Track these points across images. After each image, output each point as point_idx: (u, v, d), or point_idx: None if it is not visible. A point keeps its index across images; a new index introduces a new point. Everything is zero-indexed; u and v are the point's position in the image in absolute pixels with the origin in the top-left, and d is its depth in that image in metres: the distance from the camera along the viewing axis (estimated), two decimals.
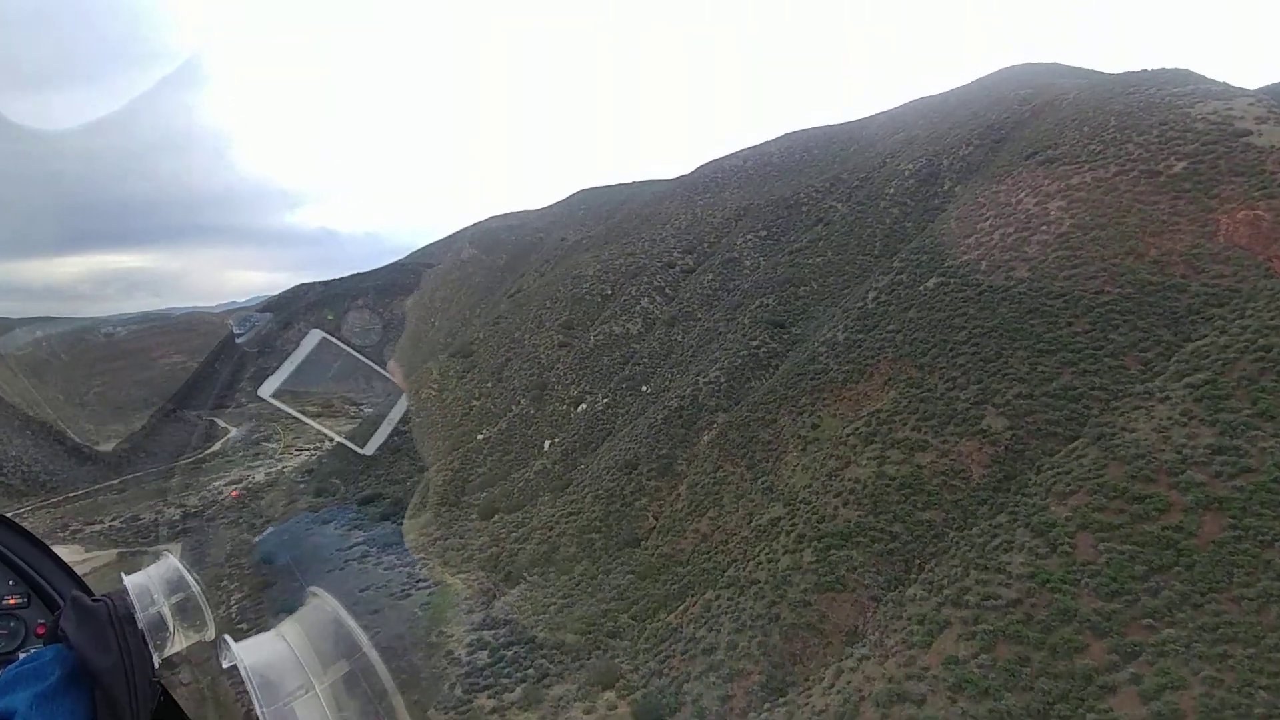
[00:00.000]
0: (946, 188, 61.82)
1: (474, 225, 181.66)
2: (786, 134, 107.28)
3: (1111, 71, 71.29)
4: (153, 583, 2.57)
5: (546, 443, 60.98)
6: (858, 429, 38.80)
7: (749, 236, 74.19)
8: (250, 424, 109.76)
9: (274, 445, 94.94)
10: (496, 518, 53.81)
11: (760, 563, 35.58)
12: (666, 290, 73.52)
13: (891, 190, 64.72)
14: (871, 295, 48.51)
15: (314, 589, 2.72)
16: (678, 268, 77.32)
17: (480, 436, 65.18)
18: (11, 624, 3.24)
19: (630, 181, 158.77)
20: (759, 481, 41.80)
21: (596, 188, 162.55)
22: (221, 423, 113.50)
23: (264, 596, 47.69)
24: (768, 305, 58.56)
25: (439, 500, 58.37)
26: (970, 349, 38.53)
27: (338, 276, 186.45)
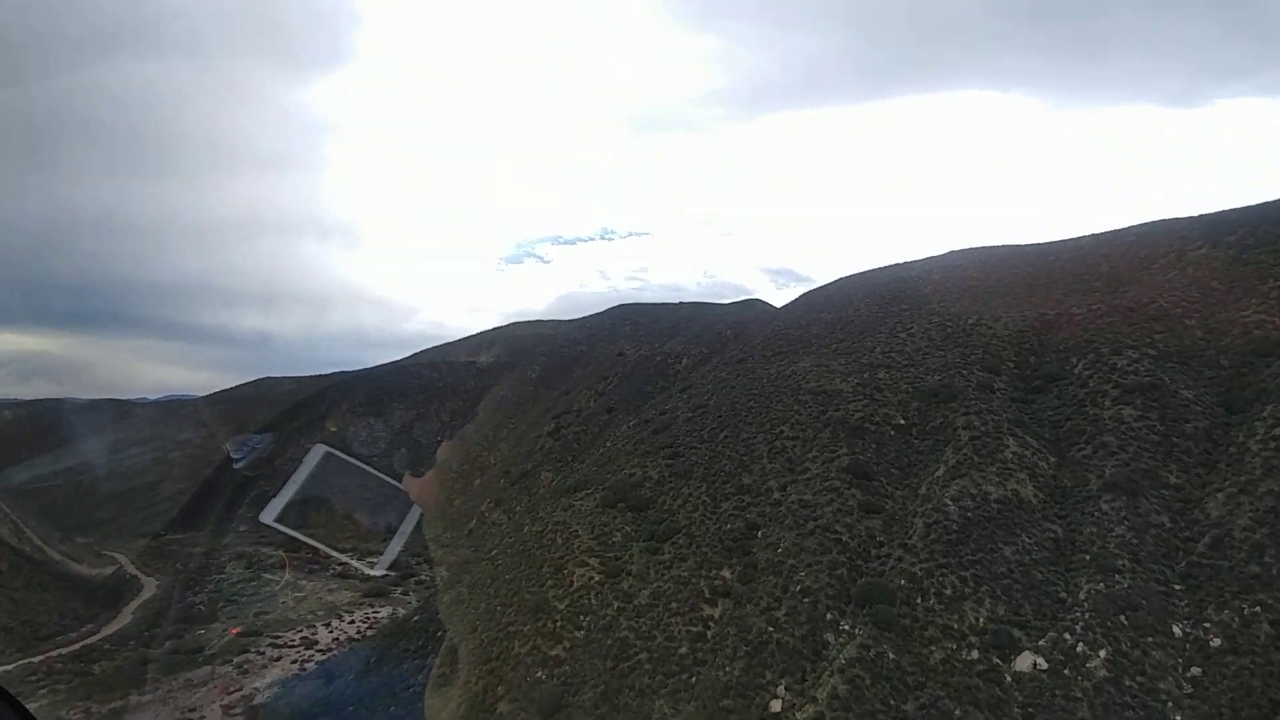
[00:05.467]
0: None
1: (494, 330, 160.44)
2: (931, 256, 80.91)
3: None
4: None
5: None
6: None
7: (1130, 352, 45.64)
8: (177, 575, 69.01)
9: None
10: None
11: None
12: (1033, 426, 42.96)
13: None
14: None
15: None
16: (996, 391, 47.53)
17: (776, 706, 30.08)
18: None
19: (678, 302, 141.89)
20: None
21: (637, 304, 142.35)
22: (130, 568, 71.86)
23: None
24: None
25: None
26: None
27: (299, 376, 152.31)
